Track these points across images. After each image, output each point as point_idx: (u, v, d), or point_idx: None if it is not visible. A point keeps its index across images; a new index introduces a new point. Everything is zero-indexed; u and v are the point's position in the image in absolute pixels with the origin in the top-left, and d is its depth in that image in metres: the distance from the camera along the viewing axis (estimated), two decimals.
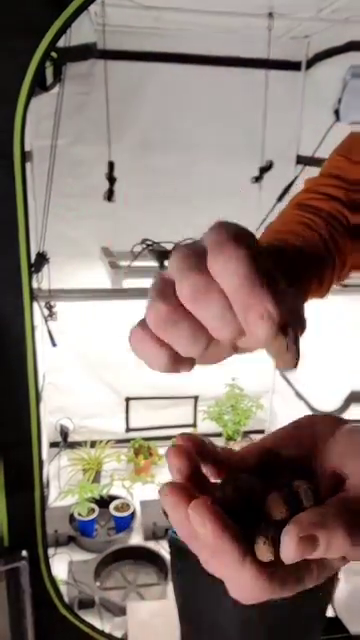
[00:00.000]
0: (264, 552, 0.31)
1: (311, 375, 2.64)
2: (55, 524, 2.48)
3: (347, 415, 2.23)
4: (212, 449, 0.41)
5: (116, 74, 2.47)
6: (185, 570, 1.36)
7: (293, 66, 2.70)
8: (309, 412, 2.65)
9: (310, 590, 1.12)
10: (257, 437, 3.14)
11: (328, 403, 2.38)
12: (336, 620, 2.02)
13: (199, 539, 0.33)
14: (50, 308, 1.75)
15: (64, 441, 3.09)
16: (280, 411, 3.18)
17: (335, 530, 0.32)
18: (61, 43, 1.55)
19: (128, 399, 3.19)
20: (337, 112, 2.10)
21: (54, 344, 1.79)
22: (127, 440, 3.13)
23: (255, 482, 0.35)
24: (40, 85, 1.94)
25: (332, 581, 1.18)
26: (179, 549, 1.35)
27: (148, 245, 2.22)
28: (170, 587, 2.23)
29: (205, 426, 3.11)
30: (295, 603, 1.17)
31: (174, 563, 1.38)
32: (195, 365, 0.44)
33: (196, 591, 1.37)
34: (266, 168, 2.38)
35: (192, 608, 1.41)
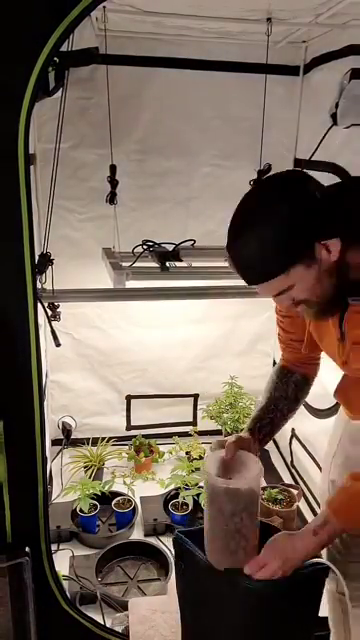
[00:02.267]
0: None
1: None
2: (58, 520, 2.51)
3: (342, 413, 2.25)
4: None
5: (117, 79, 2.51)
6: (189, 567, 1.39)
7: (291, 71, 2.73)
8: (305, 410, 2.69)
9: (303, 589, 1.17)
10: None
11: (323, 401, 2.40)
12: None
13: None
14: (54, 308, 1.78)
15: (66, 439, 3.12)
16: None
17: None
18: (63, 48, 1.58)
19: (129, 397, 3.23)
20: (334, 116, 2.12)
21: (58, 344, 1.82)
22: (128, 438, 3.17)
23: None
24: (43, 89, 1.97)
25: (322, 584, 1.21)
26: (181, 548, 1.38)
27: (149, 246, 2.25)
28: (170, 583, 2.26)
29: (205, 424, 3.14)
30: (291, 600, 1.20)
31: (179, 558, 1.40)
32: None
33: (199, 586, 1.40)
34: (264, 171, 2.41)
35: (195, 602, 1.43)
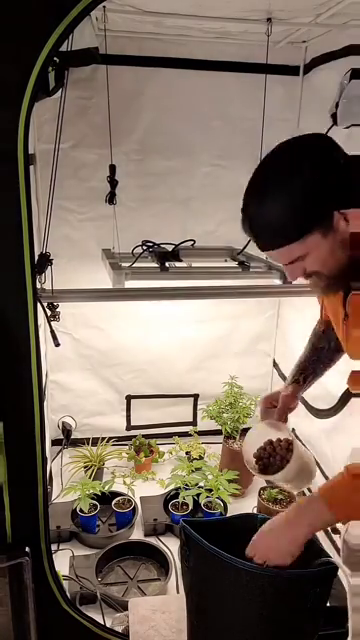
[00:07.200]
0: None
1: None
2: (57, 520, 2.51)
3: (341, 413, 2.26)
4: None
5: (117, 79, 2.50)
6: (195, 553, 1.41)
7: (291, 71, 2.73)
8: (306, 410, 2.71)
9: (308, 586, 1.15)
10: None
11: (324, 402, 2.41)
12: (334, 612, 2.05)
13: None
14: (53, 308, 1.78)
15: (66, 439, 3.12)
16: None
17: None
18: (63, 48, 1.58)
19: (129, 397, 3.23)
20: (334, 116, 2.12)
21: (57, 344, 1.82)
22: (128, 438, 3.17)
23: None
24: (43, 89, 1.97)
25: (332, 577, 1.21)
26: (187, 535, 1.40)
27: (149, 247, 2.25)
28: (170, 583, 2.26)
29: (205, 424, 3.14)
30: (295, 595, 1.19)
31: (184, 544, 1.42)
32: None
33: (203, 572, 1.40)
34: None
35: (199, 588, 1.45)
